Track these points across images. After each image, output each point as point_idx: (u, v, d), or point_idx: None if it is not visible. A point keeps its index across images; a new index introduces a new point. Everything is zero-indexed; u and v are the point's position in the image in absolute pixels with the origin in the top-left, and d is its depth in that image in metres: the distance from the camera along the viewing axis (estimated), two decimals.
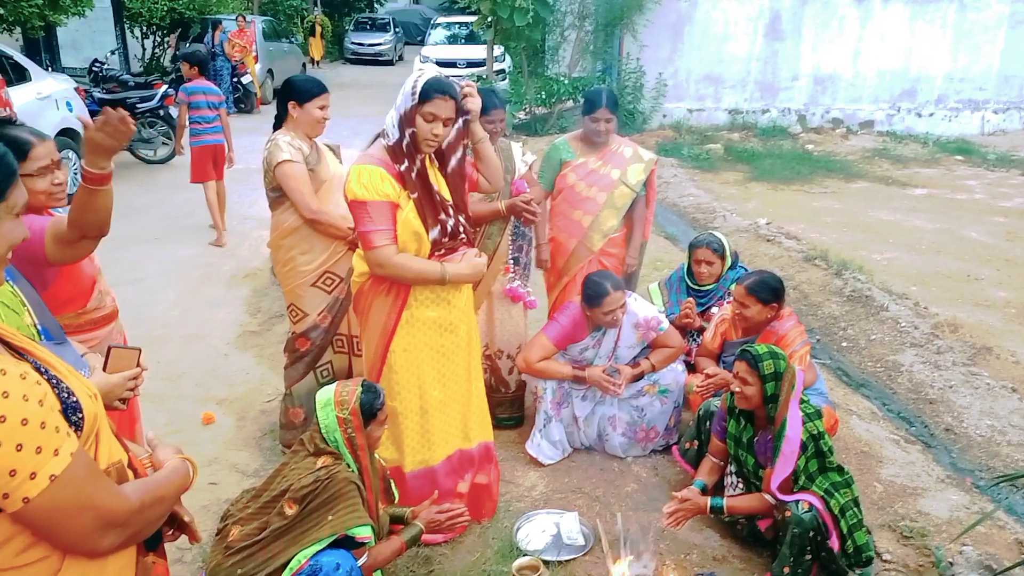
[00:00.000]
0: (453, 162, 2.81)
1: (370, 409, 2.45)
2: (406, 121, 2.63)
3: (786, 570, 2.72)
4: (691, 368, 3.87)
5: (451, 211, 2.78)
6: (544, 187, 4.04)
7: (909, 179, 10.31)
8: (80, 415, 1.30)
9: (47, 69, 10.63)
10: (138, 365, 1.96)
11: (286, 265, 3.44)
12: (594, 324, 3.56)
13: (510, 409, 3.96)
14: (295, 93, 3.34)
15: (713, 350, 3.75)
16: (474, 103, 2.81)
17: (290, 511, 2.31)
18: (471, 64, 15.58)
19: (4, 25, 11.28)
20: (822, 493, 2.75)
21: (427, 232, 2.70)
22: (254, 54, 14.88)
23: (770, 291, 3.44)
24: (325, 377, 3.57)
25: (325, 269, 3.41)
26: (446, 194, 2.79)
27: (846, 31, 12.65)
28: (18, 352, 1.31)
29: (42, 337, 1.89)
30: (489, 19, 11.78)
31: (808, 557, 2.72)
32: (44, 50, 13.43)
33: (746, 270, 4.04)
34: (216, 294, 5.88)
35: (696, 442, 3.35)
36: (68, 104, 8.61)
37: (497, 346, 3.83)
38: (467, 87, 2.81)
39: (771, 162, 10.85)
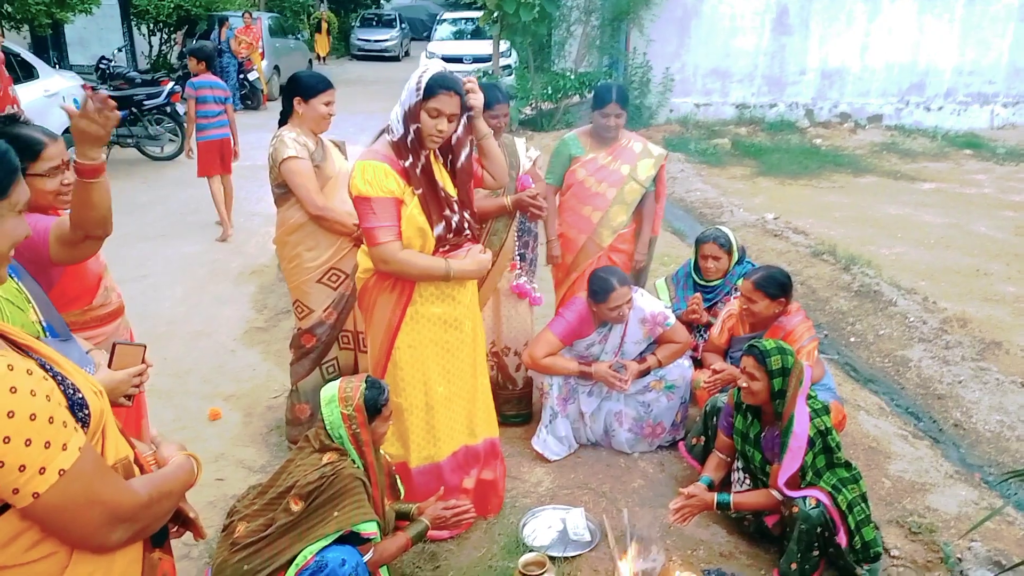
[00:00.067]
0: (462, 158, 2.80)
1: (374, 405, 2.45)
2: (410, 117, 2.62)
3: (793, 566, 2.71)
4: (698, 364, 3.86)
5: (456, 207, 2.77)
6: (554, 183, 4.02)
7: (918, 173, 10.26)
8: (86, 411, 1.30)
9: (54, 67, 10.70)
10: (143, 361, 1.95)
11: (291, 261, 3.44)
12: (600, 320, 3.55)
13: (518, 406, 3.95)
14: (301, 89, 3.33)
15: (720, 345, 3.73)
16: (476, 99, 2.79)
17: (296, 507, 2.32)
18: (477, 60, 15.51)
19: (12, 23, 11.34)
20: (830, 489, 2.73)
21: (432, 228, 2.69)
22: (260, 51, 14.89)
23: (777, 286, 3.42)
24: (331, 373, 3.57)
25: (330, 265, 3.41)
26: (451, 190, 2.78)
27: (854, 25, 12.57)
28: (22, 350, 1.31)
29: (47, 334, 1.89)
30: (495, 14, 11.74)
31: (816, 553, 2.71)
32: (52, 48, 13.51)
33: (753, 265, 4.02)
34: (223, 290, 5.89)
35: (703, 438, 3.34)
36: (75, 101, 8.62)
37: (504, 343, 3.81)
38: (468, 83, 2.77)
39: (779, 157, 10.80)
